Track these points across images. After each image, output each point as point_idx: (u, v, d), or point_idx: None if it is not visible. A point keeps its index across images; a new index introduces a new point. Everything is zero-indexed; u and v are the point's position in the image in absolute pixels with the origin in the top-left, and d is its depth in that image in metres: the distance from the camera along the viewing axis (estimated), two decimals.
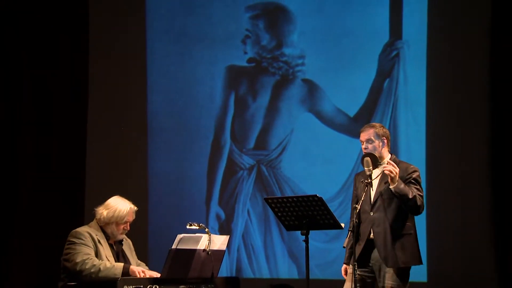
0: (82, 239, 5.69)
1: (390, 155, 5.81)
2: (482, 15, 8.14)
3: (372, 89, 8.21)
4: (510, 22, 8.08)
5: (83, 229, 5.79)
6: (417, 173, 5.76)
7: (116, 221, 5.79)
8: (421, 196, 5.68)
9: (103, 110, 8.29)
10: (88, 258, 5.61)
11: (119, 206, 5.81)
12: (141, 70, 8.30)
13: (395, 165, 5.60)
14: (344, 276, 5.83)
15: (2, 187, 8.19)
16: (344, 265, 5.86)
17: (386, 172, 5.56)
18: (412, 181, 5.70)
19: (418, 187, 5.70)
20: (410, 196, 5.59)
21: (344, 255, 5.87)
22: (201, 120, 8.32)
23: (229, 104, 8.31)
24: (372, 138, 5.77)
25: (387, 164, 5.61)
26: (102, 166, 8.23)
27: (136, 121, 8.32)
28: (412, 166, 5.79)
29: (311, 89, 8.26)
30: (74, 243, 5.69)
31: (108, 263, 5.63)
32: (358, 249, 5.67)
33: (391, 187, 5.58)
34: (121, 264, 5.65)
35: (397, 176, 5.57)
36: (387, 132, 5.84)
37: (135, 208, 5.88)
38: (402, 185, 5.60)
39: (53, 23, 8.27)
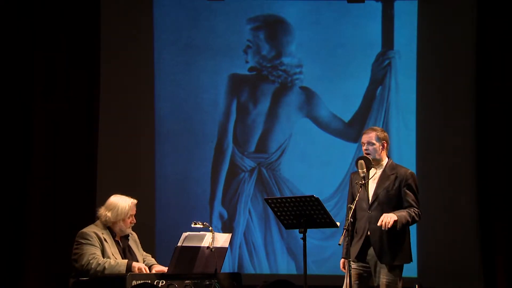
0: (88, 239, 5.68)
1: (387, 158, 5.79)
2: (467, 27, 8.19)
3: (365, 96, 8.23)
4: (493, 34, 8.10)
5: (89, 229, 5.77)
6: (412, 179, 5.70)
7: (122, 218, 5.79)
8: (417, 207, 5.64)
9: (114, 115, 8.26)
10: (93, 257, 5.60)
11: (119, 204, 5.80)
12: (150, 78, 8.27)
13: (386, 219, 5.53)
14: (343, 270, 5.79)
15: (12, 190, 8.08)
16: (343, 259, 5.81)
17: (383, 227, 5.52)
18: (409, 188, 5.66)
19: (414, 195, 5.67)
20: (410, 221, 5.59)
21: (342, 251, 5.83)
22: (205, 125, 8.29)
23: (231, 110, 8.29)
24: (373, 140, 5.74)
25: (380, 222, 5.54)
26: (112, 167, 8.19)
27: (145, 126, 8.28)
28: (409, 172, 5.74)
29: (308, 96, 8.27)
30: (81, 243, 5.69)
31: (113, 261, 5.61)
32: (357, 245, 5.68)
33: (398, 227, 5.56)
34: (124, 261, 5.64)
35: (394, 220, 5.53)
36: (387, 136, 5.81)
37: (135, 201, 5.86)
38: (403, 221, 5.55)
39: (67, 44, 8.23)
